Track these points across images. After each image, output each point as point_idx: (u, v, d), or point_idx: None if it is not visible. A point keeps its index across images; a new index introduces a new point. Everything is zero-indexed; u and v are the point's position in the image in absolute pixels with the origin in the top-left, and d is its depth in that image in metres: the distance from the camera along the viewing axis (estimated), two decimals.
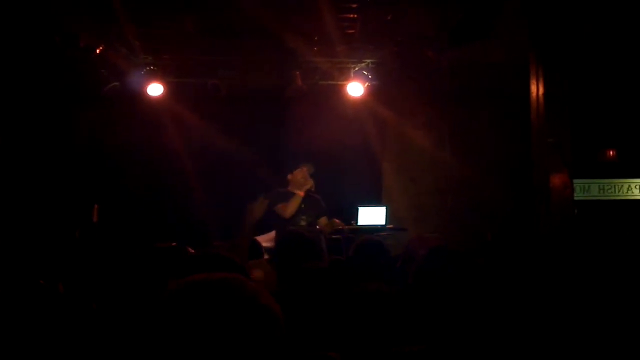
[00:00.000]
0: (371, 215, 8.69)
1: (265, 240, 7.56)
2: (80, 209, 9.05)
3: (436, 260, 3.04)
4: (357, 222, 8.58)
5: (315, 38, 8.81)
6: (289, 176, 8.41)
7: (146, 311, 1.38)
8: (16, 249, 8.21)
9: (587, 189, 10.74)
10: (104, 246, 8.54)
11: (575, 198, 9.08)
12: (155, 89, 9.33)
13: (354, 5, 8.24)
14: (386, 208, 8.86)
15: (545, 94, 7.55)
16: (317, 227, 8.38)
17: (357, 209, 8.62)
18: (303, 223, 8.29)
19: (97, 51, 8.51)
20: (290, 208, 8.23)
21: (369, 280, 3.58)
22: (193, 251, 4.54)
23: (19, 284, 2.97)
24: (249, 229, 5.60)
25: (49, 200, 9.00)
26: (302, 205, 8.31)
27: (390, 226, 8.84)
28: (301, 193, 8.25)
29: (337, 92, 9.78)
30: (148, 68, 9.22)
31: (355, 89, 9.56)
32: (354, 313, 2.93)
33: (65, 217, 9.00)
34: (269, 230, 8.10)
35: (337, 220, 8.34)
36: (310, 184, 8.30)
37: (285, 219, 8.07)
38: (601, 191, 10.67)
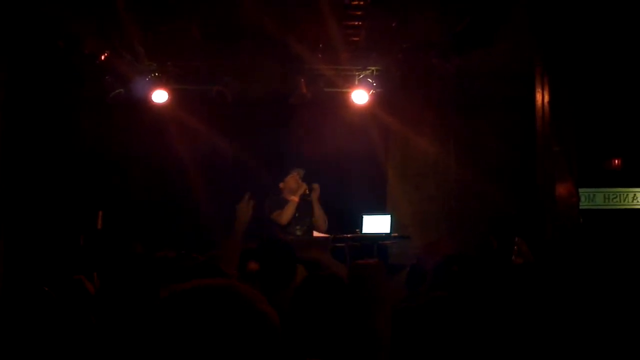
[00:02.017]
0: (376, 224, 8.66)
1: None
2: (85, 216, 9.03)
3: (453, 266, 3.02)
4: (361, 231, 8.56)
5: (320, 45, 8.81)
6: (281, 184, 8.46)
7: (140, 319, 1.37)
8: (21, 255, 8.21)
9: (592, 198, 10.71)
10: (108, 253, 8.54)
11: (580, 207, 9.06)
12: (159, 96, 9.32)
13: (359, 13, 8.24)
14: (391, 216, 8.83)
15: (550, 101, 7.53)
16: (314, 233, 8.37)
17: (362, 217, 8.60)
18: (299, 232, 8.30)
19: (102, 57, 8.51)
20: (285, 215, 8.26)
21: None
22: (201, 257, 4.51)
23: (23, 290, 2.97)
24: (239, 235, 5.56)
25: (53, 206, 8.99)
26: (297, 214, 8.32)
27: (395, 234, 8.81)
28: (295, 199, 8.27)
29: (342, 99, 9.77)
30: (153, 75, 9.22)
31: (360, 96, 9.55)
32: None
33: (69, 224, 8.99)
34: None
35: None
36: (303, 188, 8.31)
37: (281, 225, 8.08)
38: (606, 200, 10.64)
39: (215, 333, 1.31)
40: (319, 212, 8.41)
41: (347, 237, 8.49)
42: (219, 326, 1.32)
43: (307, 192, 8.36)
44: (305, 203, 8.42)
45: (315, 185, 8.45)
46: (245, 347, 1.32)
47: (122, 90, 9.17)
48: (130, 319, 2.81)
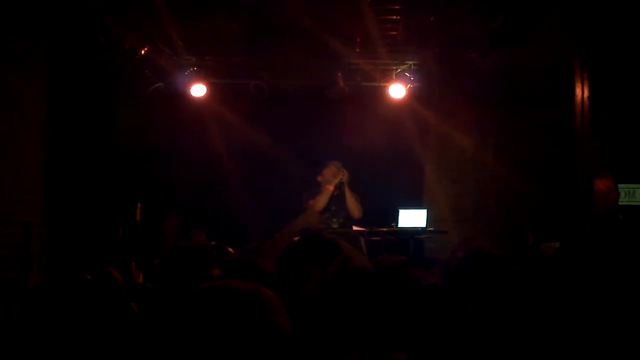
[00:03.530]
0: (412, 218, 8.66)
1: None
2: (124, 208, 9.16)
3: (473, 263, 3.01)
4: (397, 225, 8.57)
5: (358, 39, 8.81)
6: (319, 177, 8.47)
7: (168, 311, 1.42)
8: (63, 246, 8.36)
9: (633, 194, 10.55)
10: (147, 245, 8.66)
11: (620, 203, 8.94)
12: (198, 90, 9.41)
13: (397, 7, 8.23)
14: (427, 211, 8.82)
15: (590, 97, 7.46)
16: (353, 227, 8.38)
17: (398, 212, 8.60)
18: (335, 225, 8.31)
19: (142, 52, 8.61)
20: (320, 202, 8.28)
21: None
22: (232, 251, 4.57)
23: (65, 280, 3.03)
24: (290, 233, 5.57)
25: (93, 198, 9.13)
26: (333, 208, 8.34)
27: (431, 229, 8.80)
28: (331, 187, 8.28)
29: (379, 93, 9.76)
30: (191, 69, 9.30)
31: (397, 90, 9.53)
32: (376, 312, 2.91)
33: (109, 216, 9.12)
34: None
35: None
36: (340, 177, 8.31)
37: (317, 214, 8.10)
38: None
39: (225, 336, 1.36)
40: (349, 198, 8.39)
41: (383, 230, 8.50)
42: (230, 330, 1.36)
43: (346, 178, 8.37)
44: (341, 195, 8.44)
45: (344, 172, 8.45)
46: (252, 354, 1.36)
47: (161, 84, 9.28)
48: (164, 310, 2.86)
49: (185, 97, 9.49)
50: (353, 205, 8.42)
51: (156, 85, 9.21)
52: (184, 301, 1.42)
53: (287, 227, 7.72)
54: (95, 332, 2.64)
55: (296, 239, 4.31)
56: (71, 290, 2.86)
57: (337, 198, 8.40)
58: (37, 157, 8.15)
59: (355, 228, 8.42)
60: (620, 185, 9.06)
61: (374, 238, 8.51)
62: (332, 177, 8.42)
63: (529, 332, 2.59)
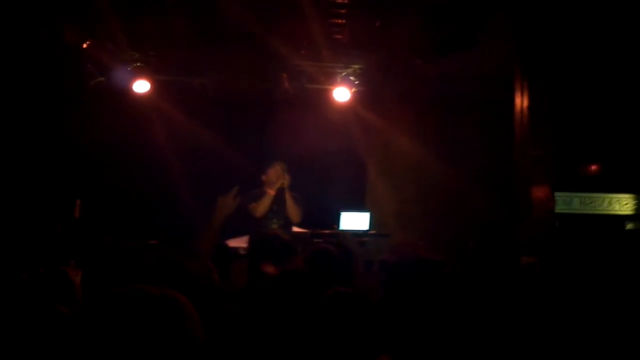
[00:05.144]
0: (354, 220, 8.69)
1: (240, 242, 7.49)
2: (63, 204, 8.99)
3: (406, 268, 3.05)
4: (339, 227, 8.59)
5: (304, 42, 8.83)
6: (263, 177, 8.44)
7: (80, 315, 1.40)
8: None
9: (569, 202, 10.78)
10: (85, 242, 8.51)
11: (557, 211, 9.13)
12: (141, 86, 9.30)
13: (343, 11, 8.27)
14: (370, 213, 8.87)
15: (529, 106, 7.60)
16: (293, 228, 8.38)
17: (340, 214, 8.63)
18: (274, 226, 8.29)
19: (83, 46, 8.47)
20: (261, 207, 8.24)
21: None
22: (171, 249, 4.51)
23: (3, 277, 2.97)
24: (216, 229, 5.56)
25: (31, 194, 8.95)
26: (274, 207, 8.32)
27: (373, 232, 8.85)
28: (272, 192, 8.26)
29: (324, 96, 9.78)
30: (135, 65, 9.19)
31: (342, 94, 9.58)
32: (321, 319, 2.92)
33: (47, 212, 8.95)
34: (238, 233, 8.01)
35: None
36: (282, 180, 8.30)
37: (256, 218, 8.08)
38: (582, 205, 10.72)
39: (136, 342, 1.34)
40: (289, 204, 8.38)
41: (325, 232, 8.52)
42: (141, 336, 1.35)
43: (287, 184, 8.36)
44: (283, 196, 8.43)
45: (286, 176, 8.44)
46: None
47: (103, 79, 9.13)
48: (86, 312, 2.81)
49: (129, 93, 9.36)
50: (293, 210, 8.40)
51: (98, 80, 9.06)
52: (95, 305, 1.40)
53: (208, 223, 7.67)
54: (21, 333, 2.59)
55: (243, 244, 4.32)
56: (6, 290, 2.80)
57: (278, 199, 8.38)
58: None
59: (295, 229, 8.42)
60: (557, 194, 9.25)
61: (316, 240, 8.51)
62: (276, 178, 8.38)
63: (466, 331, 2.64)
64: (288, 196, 8.36)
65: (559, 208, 9.64)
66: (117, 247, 3.40)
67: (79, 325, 1.37)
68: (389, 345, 2.60)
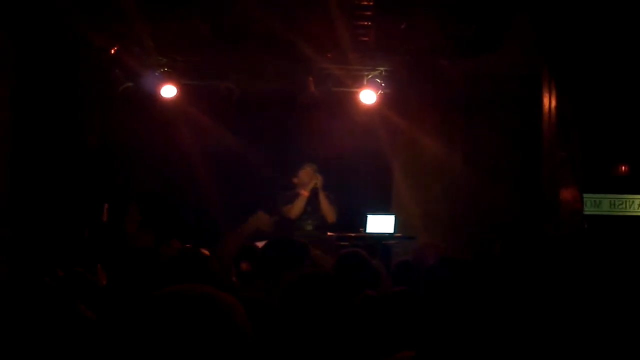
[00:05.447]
0: (380, 223, 8.67)
1: None
2: (91, 208, 9.08)
3: (446, 269, 3.03)
4: (365, 230, 8.58)
5: (329, 45, 8.83)
6: (295, 179, 8.44)
7: (127, 317, 1.40)
8: (27, 246, 8.26)
9: (598, 204, 10.69)
10: (113, 245, 8.58)
11: (586, 212, 9.04)
12: (168, 91, 9.36)
13: (368, 13, 8.26)
14: (395, 216, 8.84)
15: (557, 106, 7.54)
16: (328, 233, 8.37)
17: (366, 217, 8.61)
18: (309, 227, 8.28)
19: (112, 51, 8.55)
20: (295, 209, 8.24)
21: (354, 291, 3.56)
22: (207, 252, 4.53)
23: (23, 280, 2.99)
24: (242, 235, 5.57)
25: (59, 198, 9.04)
26: (308, 209, 8.31)
27: (399, 234, 8.82)
28: (305, 193, 8.25)
29: (350, 99, 9.78)
30: (162, 70, 9.26)
31: (368, 96, 9.56)
32: (349, 322, 2.92)
33: (75, 216, 9.04)
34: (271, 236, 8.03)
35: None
36: (315, 181, 8.29)
37: (291, 220, 8.07)
38: (612, 206, 10.62)
39: (187, 340, 1.35)
40: (324, 203, 8.37)
41: (351, 235, 8.51)
42: (191, 334, 1.35)
43: (320, 184, 8.35)
44: (317, 197, 8.42)
45: (318, 177, 8.43)
46: (214, 357, 1.35)
47: (130, 84, 9.21)
48: (124, 314, 2.83)
49: (156, 98, 9.43)
50: (328, 210, 8.41)
51: (126, 85, 9.14)
52: (142, 308, 1.40)
53: (238, 229, 7.69)
54: (47, 336, 2.61)
55: (260, 244, 4.32)
56: (27, 293, 2.83)
57: (312, 200, 8.38)
58: (2, 155, 8.04)
59: (329, 233, 8.43)
60: (586, 195, 9.17)
61: (342, 243, 8.51)
62: (308, 179, 8.40)
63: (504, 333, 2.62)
64: (322, 196, 8.36)
65: (588, 210, 9.56)
66: (144, 250, 3.44)
67: (134, 329, 1.37)
68: (411, 342, 2.59)
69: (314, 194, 8.36)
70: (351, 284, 3.78)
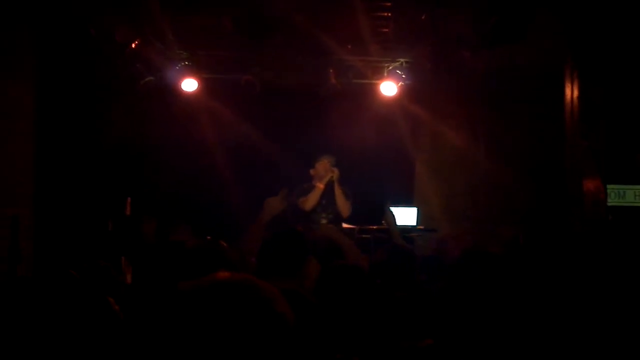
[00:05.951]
0: (402, 216, 8.64)
1: None
2: (114, 202, 9.13)
3: (471, 262, 3.03)
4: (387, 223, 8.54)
5: (349, 36, 8.80)
6: (312, 171, 8.39)
7: (158, 310, 1.40)
8: (51, 239, 8.34)
9: (623, 195, 10.57)
10: (136, 239, 8.63)
11: (610, 204, 8.96)
12: (189, 84, 9.38)
13: (388, 4, 8.22)
14: (417, 209, 8.82)
15: (580, 97, 7.47)
16: (343, 225, 8.35)
17: (389, 209, 8.57)
18: (324, 221, 8.25)
19: (133, 45, 8.58)
20: (310, 201, 8.19)
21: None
22: (226, 245, 4.54)
23: (50, 272, 3.02)
24: (262, 227, 5.53)
25: (82, 192, 9.11)
26: (323, 201, 8.27)
27: (421, 227, 8.80)
28: (321, 185, 8.20)
29: (371, 91, 9.75)
30: (183, 63, 9.28)
31: (389, 88, 9.52)
32: (374, 313, 2.93)
33: (98, 209, 9.10)
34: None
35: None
36: (331, 174, 8.23)
37: (305, 212, 8.05)
38: (637, 197, 10.49)
39: (230, 330, 1.33)
40: (339, 198, 8.32)
41: (373, 228, 8.49)
42: (234, 324, 1.34)
43: (334, 179, 8.31)
44: (332, 190, 8.39)
45: (335, 170, 8.38)
46: (259, 345, 1.34)
47: (152, 78, 9.23)
48: (153, 308, 2.84)
49: (177, 92, 9.46)
50: (342, 204, 8.35)
51: (147, 79, 9.17)
52: (182, 298, 1.39)
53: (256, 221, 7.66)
54: (76, 329, 2.62)
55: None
56: (54, 286, 2.85)
57: (327, 193, 8.35)
58: (26, 150, 8.12)
59: (345, 226, 8.39)
60: (610, 186, 9.08)
61: (364, 236, 8.50)
62: (325, 171, 8.35)
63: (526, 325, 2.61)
64: (338, 190, 8.29)
65: (612, 201, 9.46)
66: (165, 243, 3.45)
67: (176, 319, 1.36)
68: (431, 331, 2.59)
69: (329, 187, 8.31)
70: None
